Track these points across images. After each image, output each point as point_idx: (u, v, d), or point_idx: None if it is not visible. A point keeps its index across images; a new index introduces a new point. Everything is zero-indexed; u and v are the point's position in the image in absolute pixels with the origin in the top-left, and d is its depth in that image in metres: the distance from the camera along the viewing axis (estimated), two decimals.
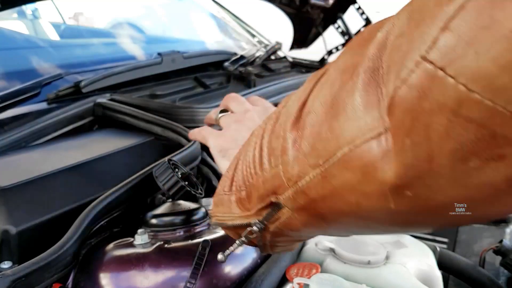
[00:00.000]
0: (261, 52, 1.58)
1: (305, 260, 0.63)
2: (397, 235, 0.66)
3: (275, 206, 0.35)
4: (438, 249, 0.68)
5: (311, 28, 1.74)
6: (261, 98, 0.60)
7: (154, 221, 0.63)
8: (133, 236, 0.61)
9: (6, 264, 0.55)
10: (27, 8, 1.84)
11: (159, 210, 0.64)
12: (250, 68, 1.37)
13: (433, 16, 0.21)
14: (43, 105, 0.99)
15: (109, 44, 1.71)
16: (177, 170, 0.69)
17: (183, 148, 0.79)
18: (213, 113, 0.61)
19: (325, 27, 1.76)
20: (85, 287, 0.58)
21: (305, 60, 1.83)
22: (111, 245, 0.61)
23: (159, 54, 1.26)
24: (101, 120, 1.00)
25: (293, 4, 1.55)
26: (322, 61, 1.77)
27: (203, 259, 0.56)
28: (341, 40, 1.78)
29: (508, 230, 0.80)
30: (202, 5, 2.06)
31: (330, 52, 1.79)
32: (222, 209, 0.43)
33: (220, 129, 0.57)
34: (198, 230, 0.63)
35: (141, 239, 0.60)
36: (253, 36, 1.86)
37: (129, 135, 0.91)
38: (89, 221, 0.60)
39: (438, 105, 0.20)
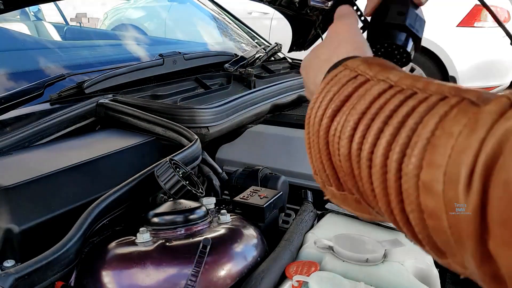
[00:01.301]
0: (261, 53, 1.59)
1: (304, 258, 0.63)
2: (395, 233, 0.67)
3: None
4: None
5: (310, 30, 1.74)
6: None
7: (155, 219, 0.64)
8: (135, 235, 0.62)
9: (9, 263, 0.55)
10: (30, 9, 1.85)
11: (160, 209, 0.65)
12: (250, 69, 1.38)
13: None
14: (46, 106, 1.00)
15: (111, 45, 1.72)
16: (178, 169, 0.69)
17: (184, 148, 0.80)
18: None
19: (324, 29, 1.77)
20: (88, 285, 0.59)
21: None
22: (113, 244, 0.61)
23: (160, 55, 1.27)
24: (104, 120, 1.01)
25: (293, 6, 1.56)
26: None
27: (204, 257, 0.57)
28: None
29: None
30: (203, 7, 2.07)
31: None
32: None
33: None
34: (199, 228, 0.64)
35: (143, 238, 0.60)
36: (253, 37, 1.87)
37: (131, 135, 0.92)
38: (92, 220, 0.61)
39: None
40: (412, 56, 0.47)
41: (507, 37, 0.61)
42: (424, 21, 0.47)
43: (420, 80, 0.31)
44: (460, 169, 0.26)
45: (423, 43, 0.47)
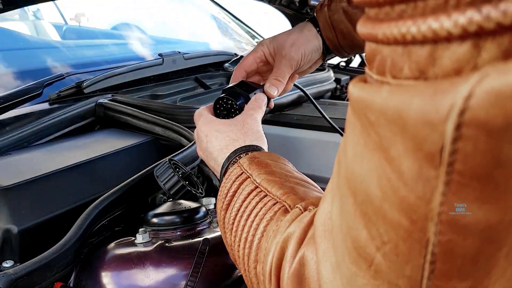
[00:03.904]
0: None
1: None
2: None
3: None
4: None
5: None
6: None
7: (155, 220, 0.63)
8: (134, 235, 0.61)
9: (8, 263, 0.55)
10: (29, 9, 1.85)
11: (160, 210, 0.65)
12: None
13: None
14: (45, 106, 0.99)
15: (110, 45, 1.71)
16: (178, 169, 0.69)
17: (184, 148, 0.80)
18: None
19: None
20: (87, 286, 0.59)
21: None
22: (112, 244, 0.61)
23: (160, 55, 1.26)
24: (103, 120, 1.01)
25: (293, 6, 1.56)
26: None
27: (203, 257, 0.56)
28: None
29: None
30: (202, 6, 2.07)
31: None
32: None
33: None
34: (198, 229, 0.64)
35: (142, 238, 0.60)
36: (253, 37, 1.87)
37: (130, 135, 0.92)
38: (91, 220, 0.61)
39: None
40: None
41: None
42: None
43: (271, 183, 0.42)
44: (266, 266, 0.36)
45: None
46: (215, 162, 0.53)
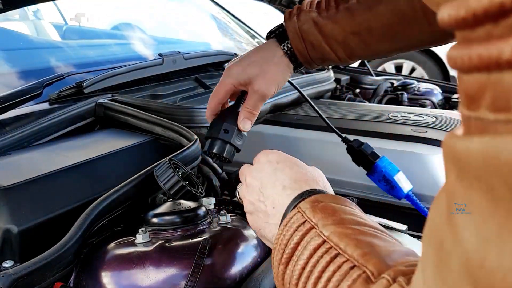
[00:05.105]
0: None
1: None
2: (397, 235, 0.67)
3: None
4: None
5: None
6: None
7: (155, 220, 0.63)
8: (134, 235, 0.61)
9: (8, 263, 0.55)
10: (29, 9, 1.85)
11: (160, 210, 0.65)
12: None
13: None
14: (45, 106, 1.00)
15: (110, 45, 1.71)
16: (177, 169, 0.69)
17: (184, 148, 0.80)
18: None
19: None
20: (87, 286, 0.59)
21: None
22: (112, 244, 0.61)
23: (160, 55, 1.26)
24: (103, 120, 1.01)
25: (293, 6, 1.56)
26: None
27: (203, 257, 0.56)
28: None
29: None
30: (202, 6, 2.07)
31: None
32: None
33: None
34: (198, 229, 0.64)
35: (142, 238, 0.60)
36: (253, 37, 1.87)
37: (130, 135, 0.92)
38: (91, 220, 0.61)
39: None
40: (231, 157, 0.67)
41: None
42: (245, 136, 0.67)
43: (343, 238, 0.36)
44: None
45: None
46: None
